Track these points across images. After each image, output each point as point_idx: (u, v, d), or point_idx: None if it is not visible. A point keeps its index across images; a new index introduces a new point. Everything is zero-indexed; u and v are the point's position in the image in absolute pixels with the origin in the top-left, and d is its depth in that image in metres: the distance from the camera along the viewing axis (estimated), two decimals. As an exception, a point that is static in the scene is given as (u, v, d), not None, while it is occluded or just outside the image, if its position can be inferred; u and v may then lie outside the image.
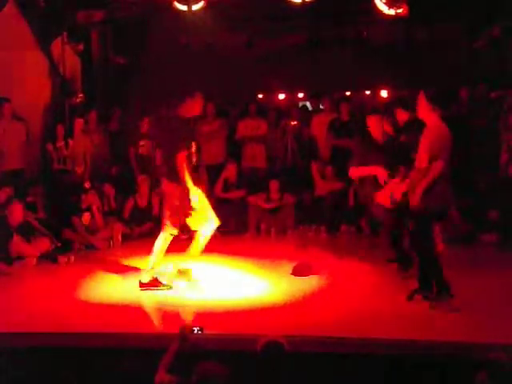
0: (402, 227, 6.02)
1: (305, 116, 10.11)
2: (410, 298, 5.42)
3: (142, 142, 9.14)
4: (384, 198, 6.11)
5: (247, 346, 4.03)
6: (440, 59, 10.44)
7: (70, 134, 8.94)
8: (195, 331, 3.94)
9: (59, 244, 7.35)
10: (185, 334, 3.92)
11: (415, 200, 5.12)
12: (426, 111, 5.31)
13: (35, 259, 7.03)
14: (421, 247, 5.37)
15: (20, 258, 6.98)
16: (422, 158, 5.20)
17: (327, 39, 11.23)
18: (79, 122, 8.99)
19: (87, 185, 8.16)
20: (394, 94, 11.19)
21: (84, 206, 7.99)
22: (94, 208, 8.03)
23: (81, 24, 9.59)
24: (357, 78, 11.24)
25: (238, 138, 9.54)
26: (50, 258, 7.13)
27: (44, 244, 7.22)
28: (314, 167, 9.13)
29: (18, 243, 6.99)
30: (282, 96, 12.49)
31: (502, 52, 9.48)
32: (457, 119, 7.17)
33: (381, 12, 8.46)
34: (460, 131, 6.15)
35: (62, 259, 7.15)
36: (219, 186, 8.88)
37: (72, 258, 7.26)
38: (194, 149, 5.92)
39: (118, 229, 8.14)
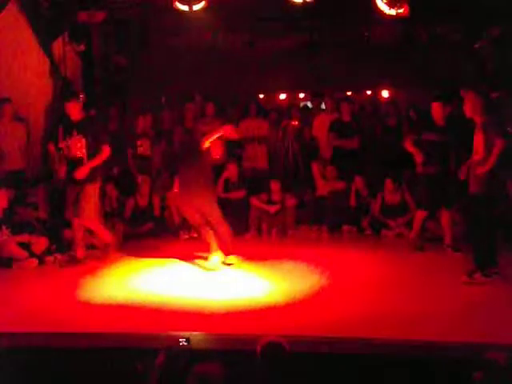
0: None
1: (306, 116, 10.11)
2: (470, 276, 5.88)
3: (139, 142, 9.15)
4: None
5: (247, 346, 4.03)
6: (441, 59, 10.44)
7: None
8: (181, 343, 3.94)
9: (52, 245, 7.35)
10: (171, 346, 3.92)
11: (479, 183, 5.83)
12: (476, 111, 5.87)
13: (37, 260, 7.03)
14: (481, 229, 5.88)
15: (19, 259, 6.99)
16: (479, 151, 5.83)
17: (328, 39, 11.23)
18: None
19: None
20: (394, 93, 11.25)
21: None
22: None
23: (82, 24, 9.58)
24: (358, 78, 11.25)
25: (239, 138, 9.53)
26: (38, 258, 7.12)
27: (42, 244, 7.21)
28: (315, 167, 9.12)
29: (13, 246, 6.98)
30: (283, 96, 12.49)
31: (502, 52, 9.46)
32: (458, 118, 7.28)
33: (382, 12, 8.46)
34: (461, 130, 6.68)
35: (49, 258, 7.16)
36: (220, 186, 8.87)
37: (58, 256, 7.26)
38: None
39: (119, 229, 8.14)
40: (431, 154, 7.04)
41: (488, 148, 5.75)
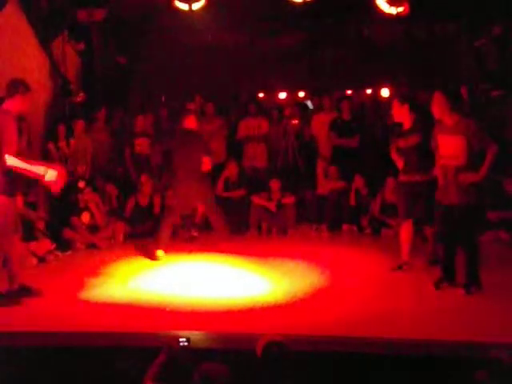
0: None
1: (305, 115, 10.10)
2: (437, 286, 5.67)
3: (137, 141, 9.15)
4: None
5: (248, 345, 4.02)
6: (441, 58, 10.43)
7: (70, 133, 8.93)
8: (181, 343, 3.94)
9: (54, 245, 7.34)
10: (171, 345, 3.93)
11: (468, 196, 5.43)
12: (445, 112, 5.52)
13: (36, 259, 7.02)
14: (467, 238, 5.58)
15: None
16: (459, 156, 5.43)
17: (328, 38, 11.23)
18: (80, 122, 8.98)
19: (81, 184, 8.15)
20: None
21: (82, 206, 7.98)
22: (93, 206, 8.02)
23: (81, 23, 9.57)
24: (358, 76, 11.24)
25: (239, 137, 9.54)
26: (40, 259, 7.10)
27: (45, 244, 7.21)
28: (320, 165, 9.12)
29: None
30: (282, 95, 12.48)
31: (503, 50, 9.46)
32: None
33: (381, 11, 8.45)
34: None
35: (50, 257, 7.17)
36: (220, 185, 8.88)
37: (59, 255, 7.28)
38: None
39: (120, 228, 8.15)
40: (409, 160, 6.25)
41: (471, 152, 5.41)
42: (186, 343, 3.92)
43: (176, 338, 3.96)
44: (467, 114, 5.79)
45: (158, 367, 3.75)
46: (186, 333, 4.45)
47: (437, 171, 5.77)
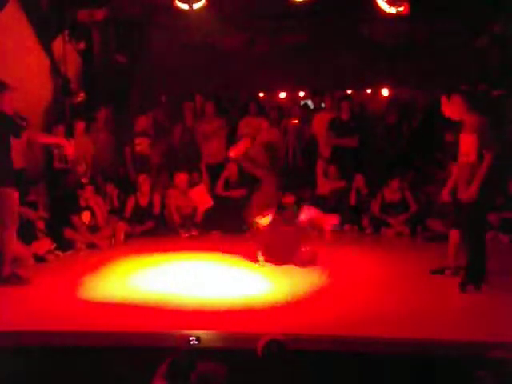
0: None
1: (306, 114, 10.10)
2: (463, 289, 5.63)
3: (137, 141, 9.16)
4: None
5: (249, 344, 4.02)
6: (441, 58, 10.42)
7: (71, 133, 8.93)
8: (191, 342, 3.95)
9: (54, 245, 7.34)
10: (181, 344, 3.94)
11: (471, 192, 5.43)
12: (462, 111, 5.60)
13: (32, 259, 7.00)
14: (475, 237, 5.60)
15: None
16: (470, 153, 5.51)
17: (328, 38, 11.22)
18: (81, 121, 8.97)
19: (84, 180, 8.15)
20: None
21: (83, 204, 7.97)
22: (94, 206, 8.02)
23: (82, 23, 9.57)
24: (358, 76, 11.23)
25: (239, 136, 9.53)
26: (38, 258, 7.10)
27: (45, 244, 7.22)
28: (320, 165, 9.12)
29: (19, 246, 6.96)
30: (283, 94, 12.48)
31: (503, 50, 9.45)
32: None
33: (382, 10, 8.45)
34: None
35: (50, 257, 7.17)
36: (220, 184, 8.88)
37: (60, 254, 7.29)
38: None
39: (120, 227, 8.15)
40: None
41: (481, 151, 5.44)
42: (196, 342, 3.92)
43: (177, 338, 3.97)
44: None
45: (168, 366, 3.75)
46: (186, 332, 4.46)
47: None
